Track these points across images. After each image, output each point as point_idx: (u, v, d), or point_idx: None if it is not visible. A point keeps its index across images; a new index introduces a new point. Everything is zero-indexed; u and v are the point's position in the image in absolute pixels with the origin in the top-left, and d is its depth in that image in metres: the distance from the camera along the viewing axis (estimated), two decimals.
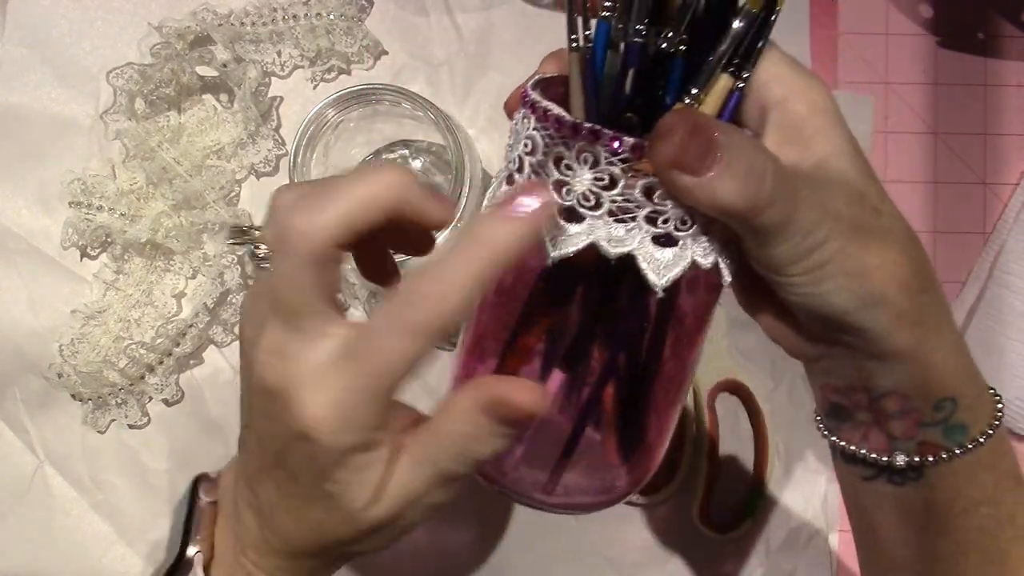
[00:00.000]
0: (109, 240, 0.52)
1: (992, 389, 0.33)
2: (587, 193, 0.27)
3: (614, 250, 0.27)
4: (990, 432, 0.31)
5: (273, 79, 0.54)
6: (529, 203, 0.26)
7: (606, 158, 0.26)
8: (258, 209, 0.53)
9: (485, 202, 0.31)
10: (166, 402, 0.52)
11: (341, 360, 0.27)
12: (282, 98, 0.54)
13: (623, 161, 0.26)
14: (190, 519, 0.34)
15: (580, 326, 0.31)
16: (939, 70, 0.54)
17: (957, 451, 0.31)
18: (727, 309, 0.52)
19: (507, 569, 0.52)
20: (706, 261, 0.28)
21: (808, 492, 0.52)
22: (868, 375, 0.31)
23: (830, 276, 0.28)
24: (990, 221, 0.54)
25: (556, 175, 0.27)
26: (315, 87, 0.54)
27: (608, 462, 0.33)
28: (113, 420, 0.52)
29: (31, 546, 0.52)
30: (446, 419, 0.29)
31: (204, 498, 0.35)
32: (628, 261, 0.28)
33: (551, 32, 0.53)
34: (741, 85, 0.28)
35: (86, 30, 0.54)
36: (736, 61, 0.28)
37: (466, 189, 0.43)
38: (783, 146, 0.28)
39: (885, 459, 0.32)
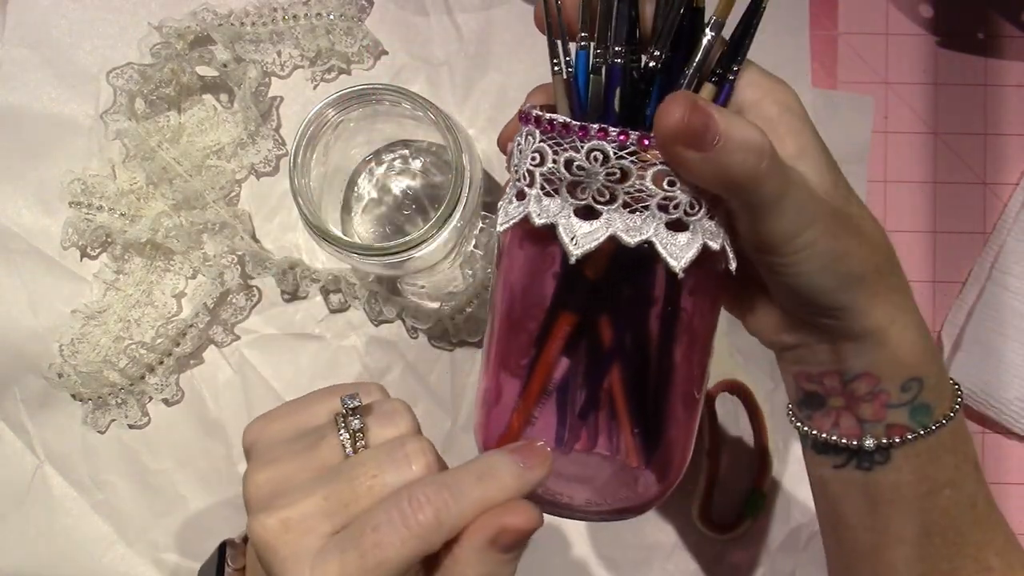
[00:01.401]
0: (109, 240, 0.52)
1: (951, 379, 0.35)
2: (601, 189, 0.29)
3: (633, 239, 0.29)
4: (951, 415, 0.34)
5: (273, 79, 0.54)
6: (538, 458, 0.31)
7: (615, 153, 0.28)
8: (258, 208, 0.53)
9: (499, 219, 0.32)
10: (166, 402, 0.52)
11: (337, 551, 0.29)
12: (282, 98, 0.54)
13: (631, 154, 0.28)
14: None
15: (595, 331, 0.32)
16: (939, 70, 0.54)
17: (922, 432, 0.33)
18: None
19: None
20: (715, 244, 0.30)
21: (808, 492, 0.51)
22: (842, 357, 0.33)
23: (816, 256, 0.30)
24: (990, 221, 0.54)
25: (569, 177, 0.29)
26: (315, 87, 0.54)
27: (635, 468, 0.33)
28: (113, 420, 0.52)
29: (31, 546, 0.52)
30: (461, 567, 0.30)
31: (231, 566, 0.36)
32: (638, 259, 0.29)
33: None
34: (728, 87, 0.30)
35: (86, 30, 0.54)
36: (719, 71, 0.30)
37: (466, 189, 0.43)
38: None
39: (855, 443, 0.34)
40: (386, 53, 0.54)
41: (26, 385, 0.52)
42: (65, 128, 0.53)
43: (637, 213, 0.29)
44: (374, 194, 0.52)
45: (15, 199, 0.53)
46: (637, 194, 0.29)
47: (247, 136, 0.52)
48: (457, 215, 0.43)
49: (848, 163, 0.41)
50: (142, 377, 0.51)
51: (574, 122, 0.29)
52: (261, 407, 0.52)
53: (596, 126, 0.28)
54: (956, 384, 0.35)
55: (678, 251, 0.29)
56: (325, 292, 0.52)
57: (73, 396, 0.51)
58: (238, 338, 0.53)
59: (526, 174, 0.30)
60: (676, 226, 0.29)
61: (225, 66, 0.52)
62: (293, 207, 0.45)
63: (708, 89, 0.30)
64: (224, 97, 0.53)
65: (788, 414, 0.37)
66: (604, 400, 0.32)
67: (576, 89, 0.31)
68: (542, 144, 0.29)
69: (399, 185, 0.52)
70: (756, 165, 0.28)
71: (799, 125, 0.31)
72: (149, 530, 0.52)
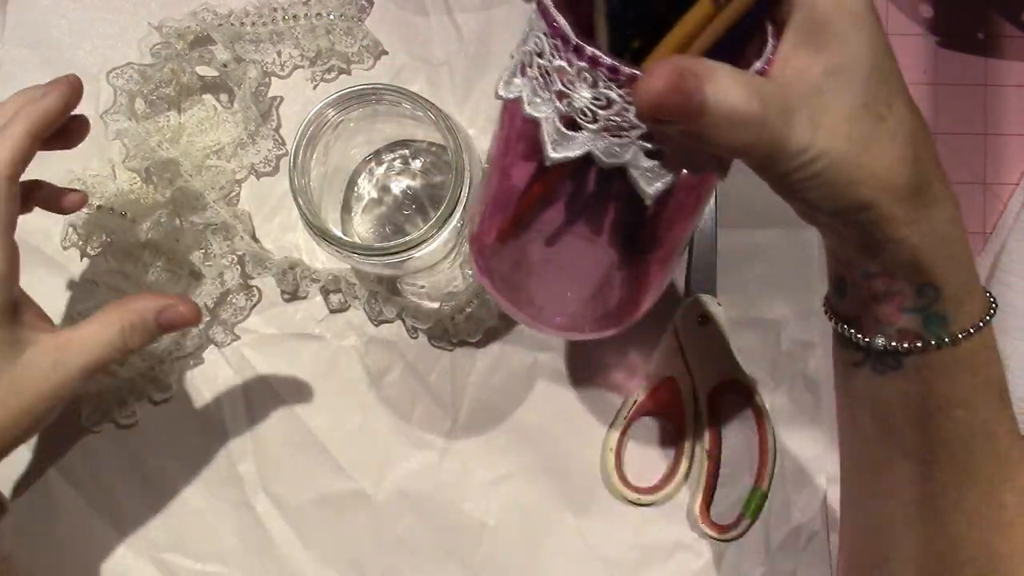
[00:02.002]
0: (109, 240, 0.52)
1: (989, 293, 0.33)
2: (585, 109, 0.28)
3: (608, 161, 0.29)
4: (972, 331, 0.31)
5: (273, 79, 0.54)
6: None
7: (604, 83, 0.27)
8: (258, 208, 0.53)
9: (499, 86, 0.31)
10: (166, 402, 0.52)
11: None
12: (282, 98, 0.54)
13: (620, 87, 0.27)
14: None
15: (591, 186, 0.33)
16: (939, 70, 0.54)
17: (933, 342, 0.31)
18: (727, 309, 0.52)
19: (503, 569, 0.52)
20: (696, 172, 0.30)
21: (808, 492, 0.52)
22: (860, 254, 0.31)
23: (819, 186, 0.28)
24: (990, 221, 0.54)
25: (558, 86, 0.28)
26: (315, 87, 0.54)
27: (602, 296, 0.36)
28: (113, 420, 0.52)
29: (31, 546, 0.52)
30: (96, 329, 0.42)
31: None
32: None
33: None
34: None
35: (86, 30, 0.54)
36: None
37: (466, 189, 0.43)
38: (799, 48, 0.28)
39: (867, 340, 0.33)
40: (386, 53, 0.54)
41: None
42: None
43: (618, 137, 0.28)
44: (374, 194, 0.52)
45: None
46: (620, 122, 0.28)
47: (247, 136, 0.52)
48: (457, 215, 0.43)
49: None
50: (142, 377, 0.51)
51: (571, 37, 0.27)
52: (261, 407, 0.52)
53: (589, 52, 0.27)
54: (993, 300, 0.32)
55: (652, 180, 0.29)
56: (325, 292, 0.52)
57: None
58: (238, 338, 0.53)
59: (529, 54, 0.29)
60: (656, 155, 0.29)
61: (225, 66, 0.52)
62: (293, 207, 0.45)
63: None
64: (224, 97, 0.53)
65: (824, 301, 0.35)
66: (601, 206, 0.33)
67: None
68: (544, 37, 0.28)
69: (399, 185, 0.52)
70: (739, 141, 0.26)
71: (847, 28, 0.28)
72: (149, 529, 0.52)
